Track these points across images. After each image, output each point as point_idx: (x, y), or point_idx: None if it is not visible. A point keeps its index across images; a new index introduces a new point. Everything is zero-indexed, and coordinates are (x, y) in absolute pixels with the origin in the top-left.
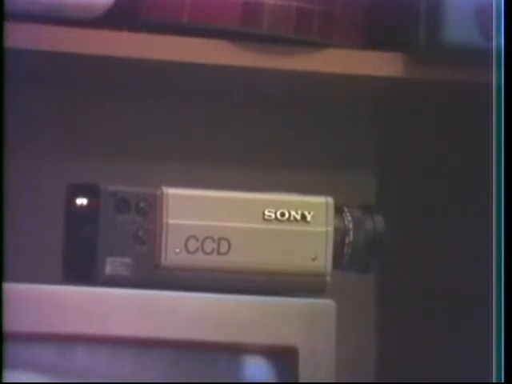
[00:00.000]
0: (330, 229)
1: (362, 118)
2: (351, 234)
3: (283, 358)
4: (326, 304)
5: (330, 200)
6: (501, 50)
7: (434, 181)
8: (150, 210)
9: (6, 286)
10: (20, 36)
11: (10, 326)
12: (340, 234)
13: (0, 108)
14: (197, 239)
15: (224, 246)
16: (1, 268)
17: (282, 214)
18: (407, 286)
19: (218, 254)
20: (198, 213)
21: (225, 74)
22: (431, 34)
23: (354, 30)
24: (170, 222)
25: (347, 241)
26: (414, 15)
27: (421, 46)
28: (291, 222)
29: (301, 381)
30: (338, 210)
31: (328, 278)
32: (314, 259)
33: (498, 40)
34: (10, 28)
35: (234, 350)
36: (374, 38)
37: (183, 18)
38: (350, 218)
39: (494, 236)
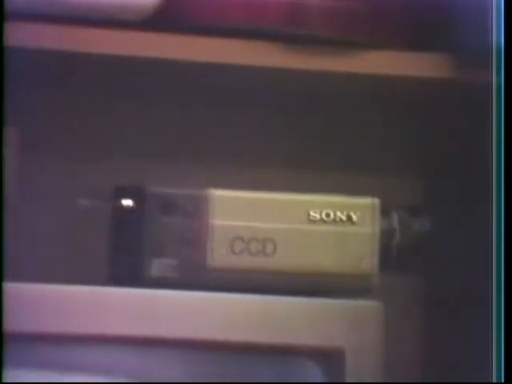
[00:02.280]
0: (377, 230)
1: (407, 120)
2: (397, 235)
3: (330, 360)
4: (374, 305)
5: (376, 201)
6: (501, 50)
7: (480, 181)
8: (195, 211)
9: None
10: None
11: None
12: (386, 235)
13: (0, 108)
14: (242, 240)
15: (269, 247)
16: (1, 268)
17: (328, 215)
18: (454, 287)
19: (264, 255)
20: (244, 214)
21: (271, 76)
22: (478, 35)
23: (401, 31)
24: (216, 223)
25: (394, 242)
26: (462, 16)
27: (468, 47)
28: (337, 222)
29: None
30: (384, 212)
31: (375, 279)
32: (360, 260)
33: (498, 39)
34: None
35: (281, 352)
36: (420, 39)
37: (226, 20)
38: (396, 219)
39: (493, 236)
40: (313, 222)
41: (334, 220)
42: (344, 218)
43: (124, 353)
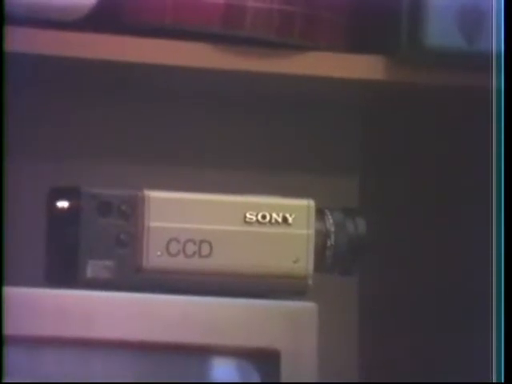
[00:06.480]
0: (312, 231)
1: (344, 121)
2: (333, 236)
3: (265, 361)
4: (308, 306)
5: (312, 203)
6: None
7: (417, 183)
8: (131, 212)
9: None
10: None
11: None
12: (321, 236)
13: (0, 110)
14: (178, 242)
15: (205, 249)
16: (0, 272)
17: (264, 217)
18: (390, 287)
19: (200, 256)
20: (180, 215)
21: (206, 77)
22: (413, 36)
23: (337, 33)
24: (152, 224)
25: (329, 243)
26: (396, 18)
27: (403, 48)
28: (272, 224)
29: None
30: (320, 213)
31: (310, 281)
32: (295, 262)
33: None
34: None
35: (216, 353)
36: (357, 41)
37: (165, 21)
38: (331, 221)
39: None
40: (249, 223)
41: (270, 222)
42: (280, 219)
43: (59, 354)
